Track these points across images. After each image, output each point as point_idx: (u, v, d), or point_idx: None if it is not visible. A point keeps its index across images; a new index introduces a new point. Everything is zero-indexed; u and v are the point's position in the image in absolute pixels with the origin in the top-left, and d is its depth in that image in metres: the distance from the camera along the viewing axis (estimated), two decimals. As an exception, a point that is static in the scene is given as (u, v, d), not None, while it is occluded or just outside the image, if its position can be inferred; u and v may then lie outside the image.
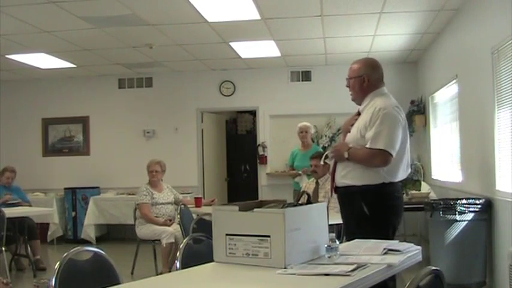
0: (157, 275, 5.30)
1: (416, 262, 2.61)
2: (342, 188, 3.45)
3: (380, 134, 3.22)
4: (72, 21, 6.01)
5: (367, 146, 3.26)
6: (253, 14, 5.96)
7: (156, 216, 6.24)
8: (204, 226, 4.23)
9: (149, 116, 9.49)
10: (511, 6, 4.17)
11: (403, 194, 3.88)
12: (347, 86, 3.56)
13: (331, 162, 3.58)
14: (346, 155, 3.33)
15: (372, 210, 3.31)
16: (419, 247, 2.67)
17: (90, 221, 8.72)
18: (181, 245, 2.81)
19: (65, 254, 2.47)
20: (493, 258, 4.99)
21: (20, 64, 8.23)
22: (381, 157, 3.21)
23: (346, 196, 3.45)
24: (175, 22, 6.31)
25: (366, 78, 3.44)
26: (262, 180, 9.36)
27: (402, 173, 3.38)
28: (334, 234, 2.51)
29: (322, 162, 3.71)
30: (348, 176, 3.38)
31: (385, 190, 3.33)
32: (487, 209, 4.96)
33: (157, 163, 6.51)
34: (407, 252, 2.53)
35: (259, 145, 9.36)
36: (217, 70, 9.31)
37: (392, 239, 3.28)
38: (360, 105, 3.52)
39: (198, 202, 6.48)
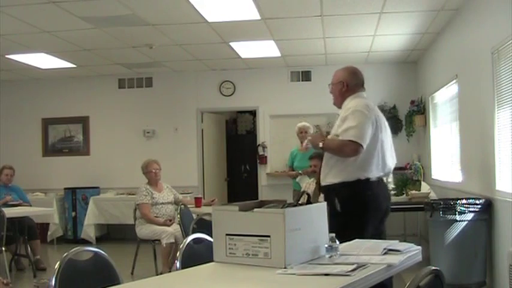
0: (157, 275, 5.30)
1: (416, 262, 2.61)
2: (324, 186, 3.67)
3: (350, 127, 3.46)
4: (72, 21, 6.01)
5: (340, 138, 3.52)
6: (253, 14, 5.96)
7: (156, 216, 6.24)
8: (204, 226, 4.23)
9: (149, 116, 9.49)
10: (511, 6, 4.17)
11: (389, 192, 3.99)
12: (330, 92, 3.84)
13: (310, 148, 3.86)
14: (320, 145, 3.58)
15: (343, 207, 3.50)
16: (419, 247, 2.67)
17: (90, 221, 8.72)
18: (181, 245, 2.81)
19: (65, 254, 2.47)
20: (493, 258, 4.99)
21: (20, 64, 8.23)
22: (351, 146, 3.43)
23: (326, 194, 3.66)
24: (175, 22, 6.31)
25: (345, 83, 3.73)
26: (262, 180, 9.36)
27: (376, 170, 3.57)
28: (334, 234, 2.51)
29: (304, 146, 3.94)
30: (329, 174, 3.62)
31: (358, 187, 3.52)
32: (487, 209, 4.97)
33: (155, 162, 6.51)
34: (407, 252, 2.54)
35: (259, 145, 9.36)
36: (217, 70, 9.31)
37: (369, 235, 3.33)
38: (340, 108, 3.76)
39: (198, 202, 6.48)
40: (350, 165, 3.51)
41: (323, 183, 3.67)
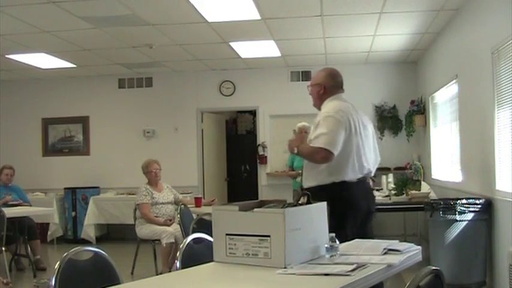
0: (157, 275, 5.30)
1: (416, 262, 2.61)
2: (305, 189, 3.64)
3: (321, 134, 3.49)
4: (72, 21, 6.01)
5: (311, 145, 3.55)
6: (253, 14, 5.96)
7: (156, 216, 6.24)
8: (204, 226, 4.23)
9: (149, 116, 9.49)
10: (511, 6, 4.17)
11: (371, 192, 3.97)
12: (310, 94, 3.86)
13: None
14: (295, 150, 3.65)
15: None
16: (419, 247, 2.67)
17: (90, 221, 8.72)
18: (181, 245, 2.81)
19: (65, 254, 2.47)
20: (493, 258, 5.00)
21: (20, 64, 8.23)
22: (321, 154, 3.46)
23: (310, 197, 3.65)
24: (175, 22, 6.31)
25: (323, 86, 3.75)
26: (262, 180, 9.36)
27: (352, 172, 3.58)
28: (334, 234, 2.51)
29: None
30: (307, 178, 3.68)
31: (333, 190, 3.55)
32: (487, 209, 4.97)
33: (155, 162, 6.52)
34: (407, 252, 2.54)
35: (259, 145, 9.36)
36: (217, 70, 9.31)
37: (349, 235, 3.28)
38: (320, 110, 3.78)
39: (198, 202, 6.48)
40: (325, 170, 3.54)
41: (304, 186, 3.72)
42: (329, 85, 3.75)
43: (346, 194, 3.58)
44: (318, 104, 3.81)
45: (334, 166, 3.51)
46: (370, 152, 3.71)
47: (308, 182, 3.66)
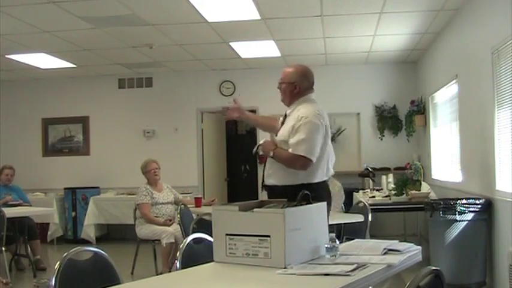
0: (157, 275, 5.30)
1: (416, 262, 2.61)
2: (268, 186, 3.65)
3: (301, 141, 3.41)
4: (72, 21, 6.01)
5: (290, 150, 3.45)
6: (253, 14, 5.97)
7: (156, 216, 6.24)
8: (204, 226, 4.23)
9: (149, 116, 9.49)
10: (511, 6, 4.17)
11: (329, 194, 3.90)
12: (278, 88, 3.75)
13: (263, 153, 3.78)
14: (271, 154, 3.58)
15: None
16: (419, 247, 2.67)
17: (90, 221, 8.72)
18: (181, 245, 2.81)
19: (65, 254, 2.47)
20: (493, 258, 5.00)
21: (20, 64, 8.23)
22: (301, 162, 3.40)
23: (272, 194, 3.62)
24: (175, 22, 6.31)
25: (297, 86, 3.66)
26: (262, 180, 9.35)
27: (321, 174, 3.54)
28: (334, 234, 2.51)
29: (253, 153, 3.86)
30: (273, 176, 3.61)
31: (300, 191, 3.39)
32: (487, 209, 4.97)
33: (154, 161, 6.53)
34: (407, 252, 2.54)
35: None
36: (217, 70, 9.31)
37: None
38: (288, 106, 3.71)
39: (198, 202, 6.48)
40: (297, 172, 3.47)
41: (266, 182, 3.66)
42: (304, 86, 3.66)
43: (314, 196, 3.54)
44: (288, 102, 3.71)
45: (308, 170, 3.45)
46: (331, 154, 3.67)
47: (272, 180, 3.59)
